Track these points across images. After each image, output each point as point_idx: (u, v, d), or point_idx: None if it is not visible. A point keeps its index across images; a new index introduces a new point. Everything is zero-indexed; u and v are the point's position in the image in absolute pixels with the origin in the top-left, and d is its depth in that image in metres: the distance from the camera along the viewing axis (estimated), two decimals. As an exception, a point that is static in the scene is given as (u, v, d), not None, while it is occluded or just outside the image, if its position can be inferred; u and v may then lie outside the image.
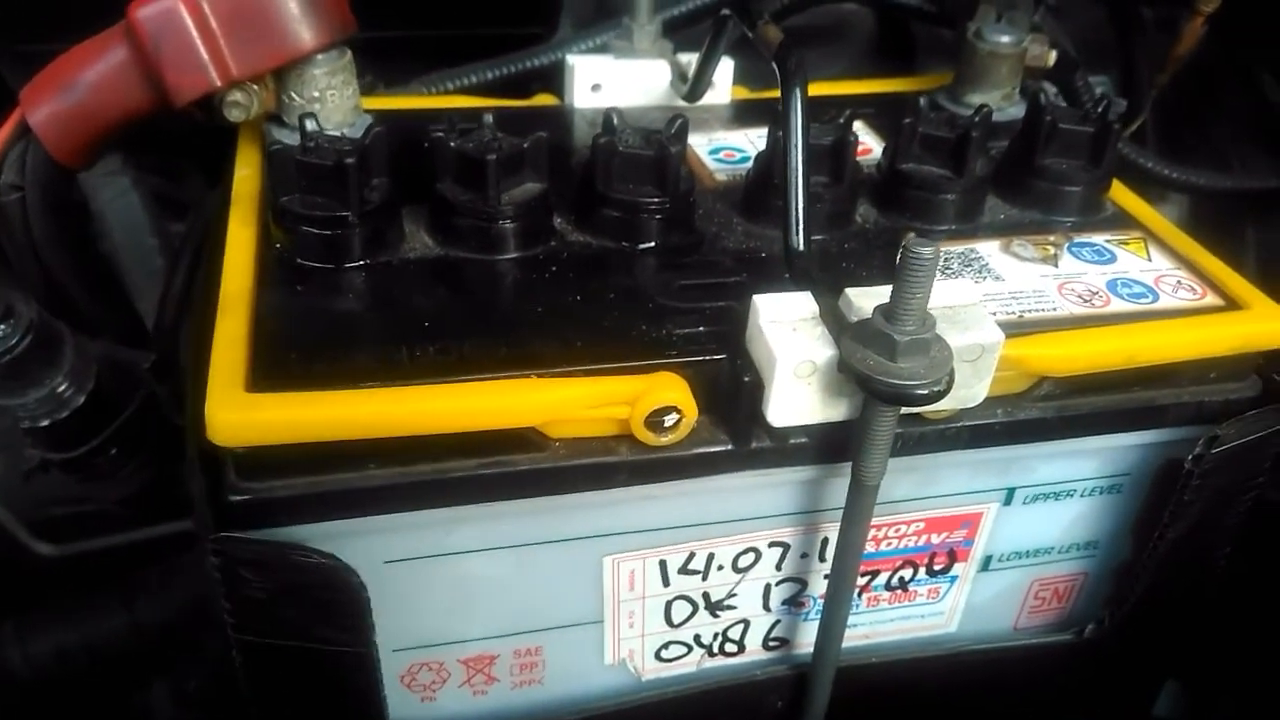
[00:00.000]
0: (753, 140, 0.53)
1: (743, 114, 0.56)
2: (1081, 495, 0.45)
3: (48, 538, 0.67)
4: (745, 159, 0.51)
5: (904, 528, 0.44)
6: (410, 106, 0.55)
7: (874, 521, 0.42)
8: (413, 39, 0.66)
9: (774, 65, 0.42)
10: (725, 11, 0.48)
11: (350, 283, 0.41)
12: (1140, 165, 0.67)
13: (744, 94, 0.58)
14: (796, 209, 0.40)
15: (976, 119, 0.46)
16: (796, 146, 0.40)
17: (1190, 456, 0.41)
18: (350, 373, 0.36)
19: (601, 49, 0.61)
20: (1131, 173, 0.68)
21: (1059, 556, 0.47)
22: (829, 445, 0.38)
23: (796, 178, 0.40)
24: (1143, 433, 0.43)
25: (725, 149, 0.52)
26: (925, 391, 0.34)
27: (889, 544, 0.44)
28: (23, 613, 0.67)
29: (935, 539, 0.44)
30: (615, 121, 0.44)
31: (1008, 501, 0.44)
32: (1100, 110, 0.48)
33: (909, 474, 0.41)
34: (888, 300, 0.35)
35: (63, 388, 0.47)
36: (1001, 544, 0.46)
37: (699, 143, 0.53)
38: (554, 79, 0.60)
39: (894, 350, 0.34)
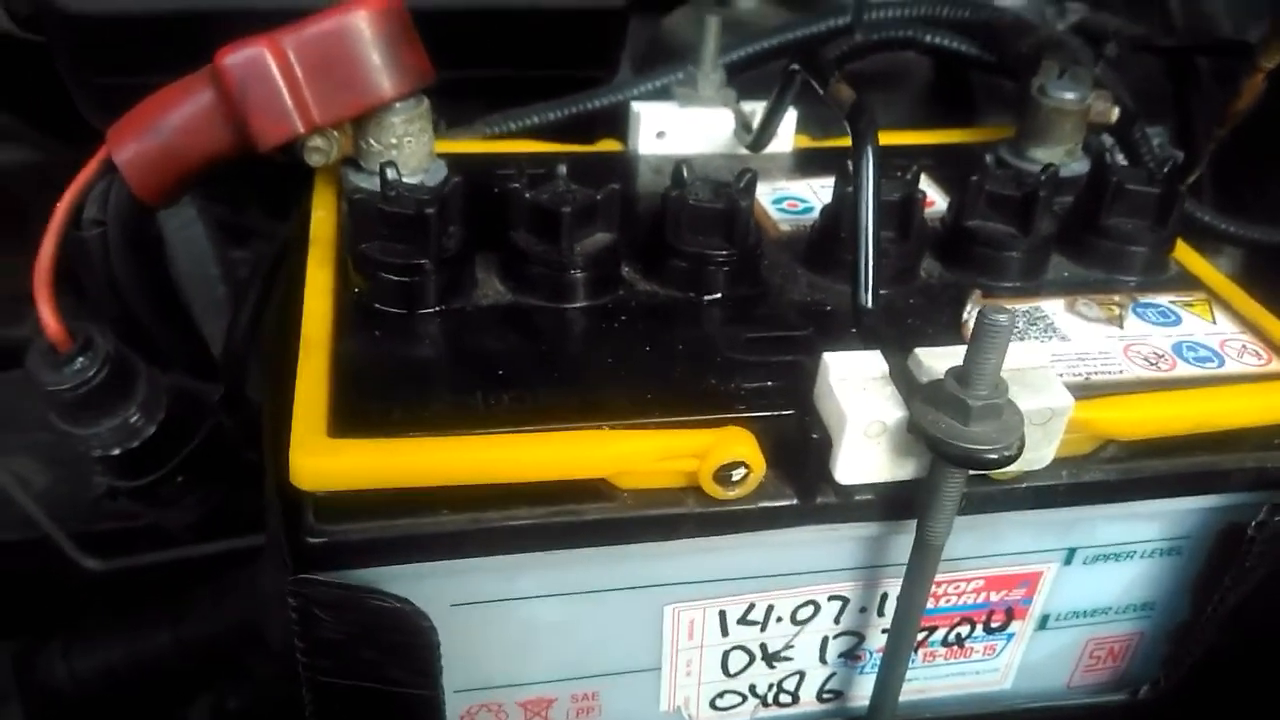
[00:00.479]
0: (815, 190, 0.54)
1: (805, 163, 0.57)
2: (1141, 556, 0.45)
3: (96, 552, 0.69)
4: (809, 209, 0.52)
5: (963, 585, 0.44)
6: (480, 150, 0.56)
7: (935, 578, 0.42)
8: (475, 80, 0.68)
9: (847, 124, 0.42)
10: (794, 67, 0.49)
11: (426, 328, 0.42)
12: (1197, 218, 0.67)
13: (806, 142, 0.58)
14: (866, 267, 0.40)
15: (1043, 178, 0.46)
16: (868, 206, 0.40)
17: (1254, 523, 0.41)
18: (427, 419, 0.37)
19: (662, 93, 0.62)
20: (1188, 225, 0.68)
21: (1116, 616, 0.47)
22: (894, 503, 0.39)
23: (867, 236, 0.40)
24: (1205, 496, 0.43)
25: (789, 198, 0.53)
26: (996, 456, 0.34)
27: (948, 600, 0.44)
28: (70, 629, 0.69)
29: (994, 597, 0.44)
30: (685, 174, 0.45)
31: (1068, 561, 0.44)
32: (1166, 170, 0.48)
33: (971, 532, 0.41)
34: (958, 362, 0.35)
35: (135, 418, 0.48)
36: (1060, 603, 0.46)
37: (763, 192, 0.53)
38: (616, 121, 0.61)
39: (968, 415, 0.34)
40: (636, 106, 0.56)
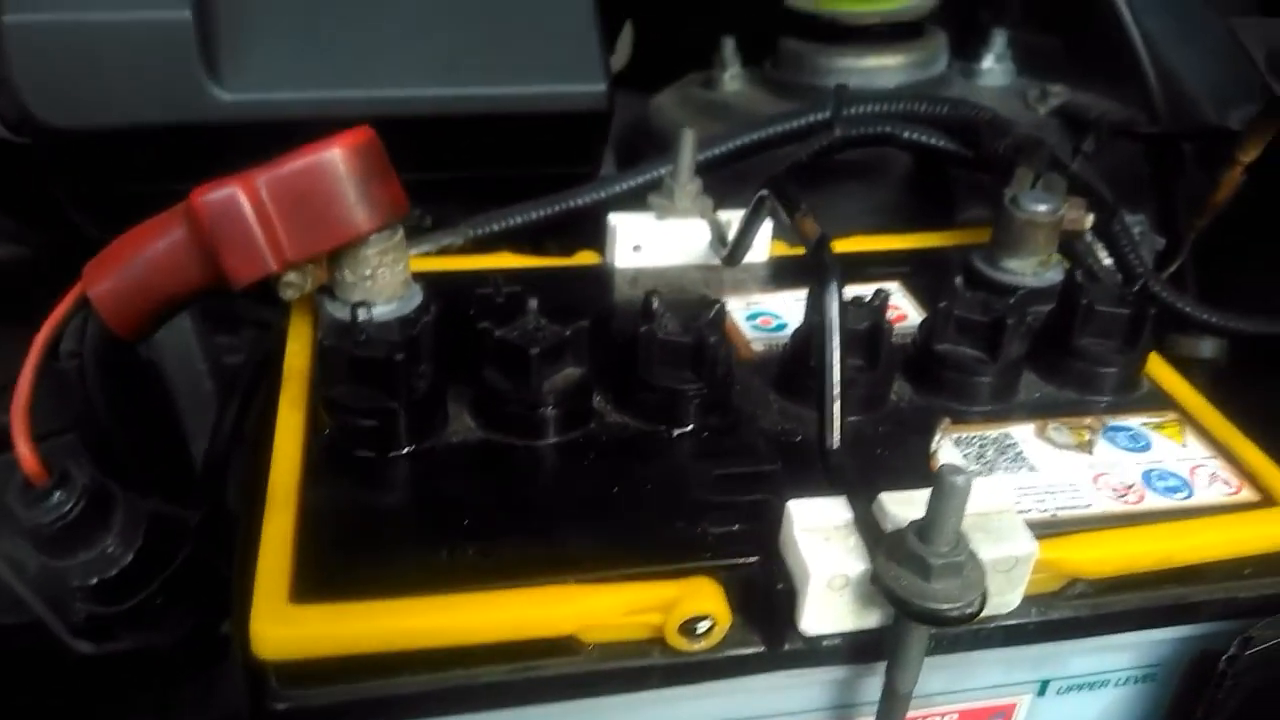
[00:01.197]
0: (790, 304, 0.54)
1: (781, 274, 0.57)
2: (1115, 685, 0.45)
3: (87, 636, 0.69)
4: (782, 326, 0.52)
5: (937, 719, 0.43)
6: (457, 269, 0.57)
7: (909, 714, 0.42)
8: (462, 180, 0.69)
9: (812, 262, 0.43)
10: (763, 192, 0.49)
11: (395, 472, 0.42)
12: (1178, 309, 0.67)
13: (783, 250, 0.59)
14: (830, 409, 0.41)
15: (1012, 302, 0.47)
16: (832, 346, 0.41)
17: (1224, 657, 0.41)
18: (391, 577, 0.37)
19: (645, 188, 0.63)
20: (1170, 316, 0.68)
21: (1095, 742, 0.47)
22: (862, 648, 0.39)
23: (830, 379, 0.41)
24: (1177, 627, 0.43)
25: (763, 314, 0.53)
26: (958, 614, 0.34)
27: (923, 733, 0.44)
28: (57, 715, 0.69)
29: (970, 728, 0.44)
30: (655, 305, 0.45)
31: (1041, 692, 0.44)
32: (1136, 290, 0.48)
33: (943, 670, 0.41)
34: (922, 509, 0.35)
35: (112, 548, 0.48)
36: (1037, 731, 0.45)
37: (736, 308, 0.54)
38: (597, 219, 0.62)
39: (929, 572, 0.34)
40: (613, 220, 0.57)
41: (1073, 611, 0.41)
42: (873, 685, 0.40)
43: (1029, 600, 0.40)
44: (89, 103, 0.59)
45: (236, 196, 0.44)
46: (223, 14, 0.60)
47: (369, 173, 0.45)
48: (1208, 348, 0.75)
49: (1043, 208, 0.53)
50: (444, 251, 0.62)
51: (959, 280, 0.48)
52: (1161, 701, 0.45)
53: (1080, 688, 0.44)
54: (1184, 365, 0.75)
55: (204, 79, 0.59)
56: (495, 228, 0.64)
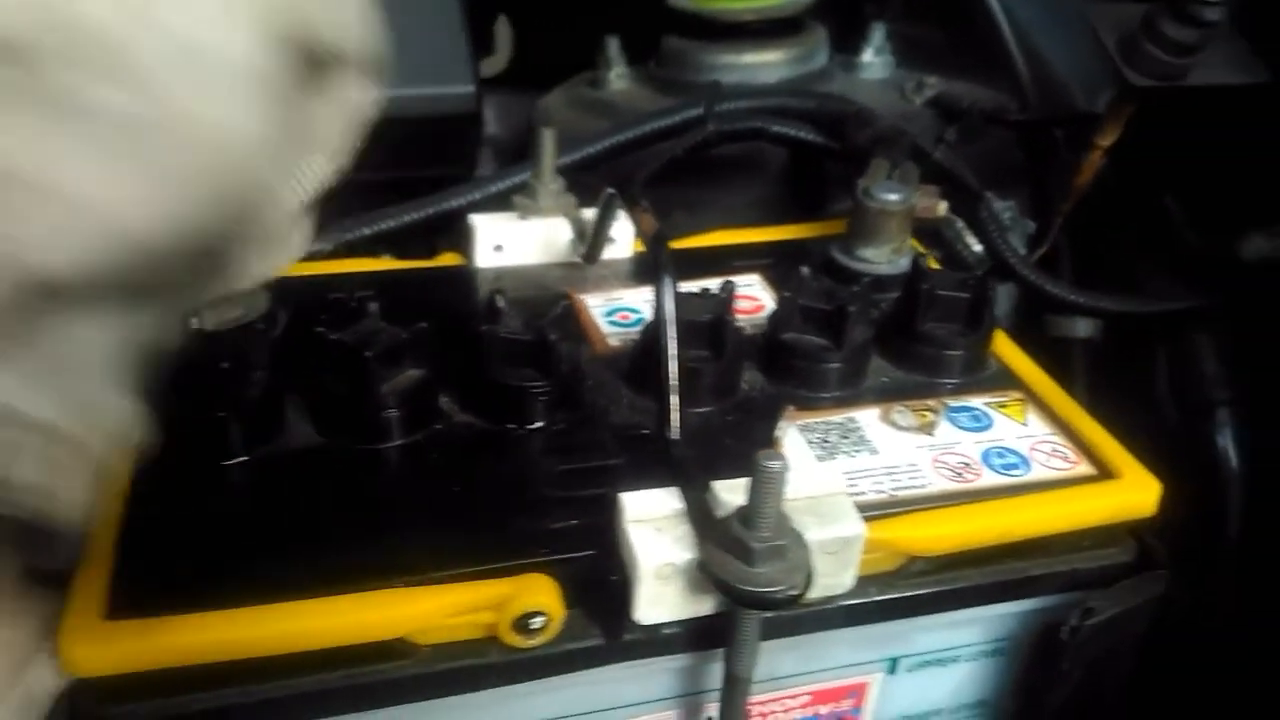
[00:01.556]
0: (648, 299, 0.54)
1: (643, 269, 0.57)
2: (965, 660, 0.45)
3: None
4: (639, 321, 0.52)
5: (790, 701, 0.44)
6: (316, 272, 0.56)
7: (760, 697, 0.43)
8: (337, 185, 0.68)
9: (649, 258, 0.43)
10: (610, 190, 0.49)
11: (228, 481, 0.41)
12: (1047, 292, 0.68)
13: (640, 247, 0.59)
14: (668, 400, 0.41)
15: (855, 290, 0.47)
16: (668, 340, 0.41)
17: (1065, 628, 0.42)
18: (216, 588, 0.36)
19: (517, 189, 0.63)
20: (1040, 299, 0.70)
21: (949, 717, 0.47)
22: (701, 635, 0.39)
23: (668, 370, 0.41)
24: (1020, 601, 0.44)
25: (622, 310, 0.53)
26: (782, 597, 0.35)
27: (775, 718, 0.44)
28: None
29: (824, 710, 0.45)
30: (499, 304, 0.45)
31: (892, 670, 0.44)
32: (980, 274, 0.49)
33: (791, 650, 0.42)
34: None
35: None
36: (890, 710, 0.46)
37: (596, 304, 0.54)
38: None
39: (750, 557, 0.35)
40: (473, 220, 0.57)
41: (913, 589, 0.41)
42: (715, 671, 0.40)
43: (869, 580, 0.40)
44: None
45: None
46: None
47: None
48: (1083, 327, 0.76)
49: (893, 197, 0.54)
50: (312, 257, 0.61)
51: (805, 270, 0.49)
52: (1009, 675, 0.46)
53: (930, 664, 0.45)
54: (1061, 344, 0.77)
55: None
56: (365, 232, 0.63)
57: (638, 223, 0.45)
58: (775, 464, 0.34)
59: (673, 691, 0.41)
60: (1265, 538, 0.65)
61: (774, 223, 0.69)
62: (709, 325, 0.46)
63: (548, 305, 0.46)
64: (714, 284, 0.48)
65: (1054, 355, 0.76)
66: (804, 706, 0.44)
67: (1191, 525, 0.65)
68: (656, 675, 0.41)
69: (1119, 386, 0.74)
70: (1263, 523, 0.66)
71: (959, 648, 0.45)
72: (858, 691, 0.44)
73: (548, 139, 0.58)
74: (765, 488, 0.34)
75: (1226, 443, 0.68)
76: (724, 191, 0.76)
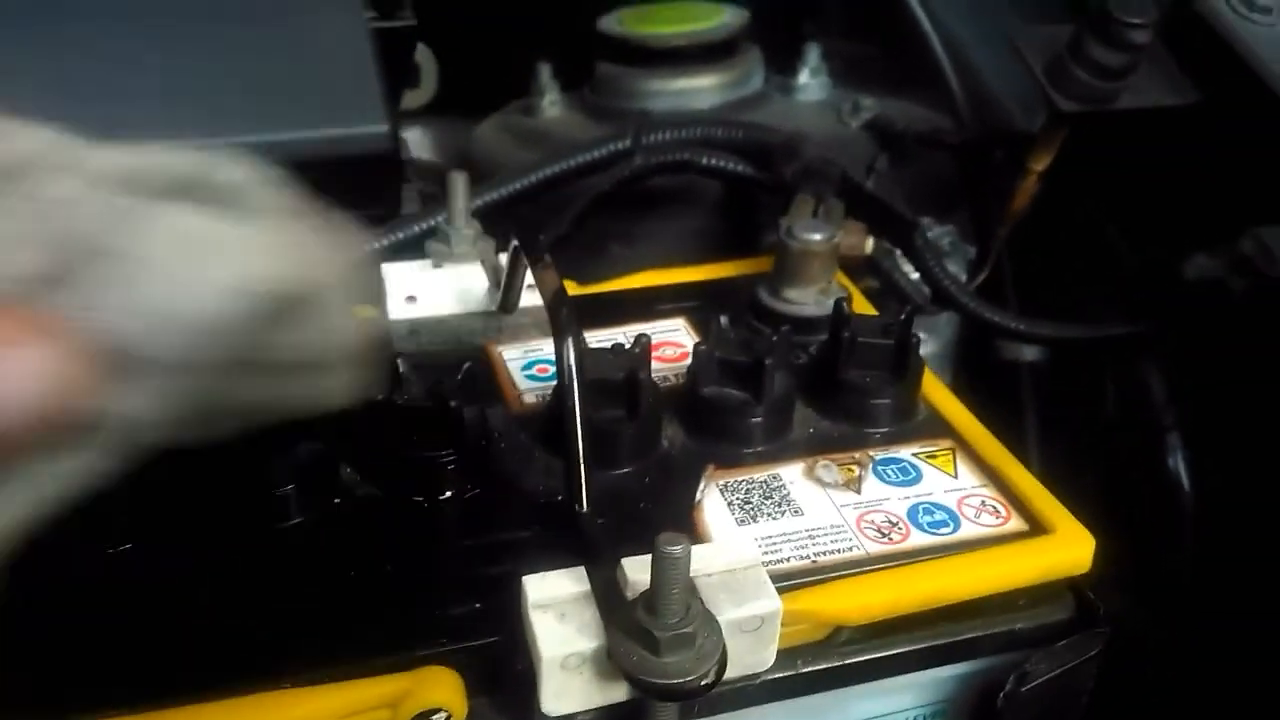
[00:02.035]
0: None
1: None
2: (904, 725, 0.44)
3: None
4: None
5: (721, 777, 0.42)
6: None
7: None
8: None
9: (550, 317, 0.41)
10: (514, 242, 0.47)
11: (105, 569, 0.39)
12: (987, 319, 0.67)
13: (573, 289, 0.57)
14: (577, 470, 0.39)
15: (775, 339, 0.45)
16: (573, 406, 0.39)
17: (1001, 695, 0.40)
18: (71, 698, 0.33)
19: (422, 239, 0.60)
20: (982, 327, 0.68)
21: (892, 782, 0.45)
22: (617, 721, 0.37)
23: (575, 439, 0.39)
24: (955, 664, 0.42)
25: (540, 363, 0.51)
26: (692, 687, 0.33)
27: (707, 795, 0.42)
28: None
29: (757, 783, 0.43)
30: (400, 369, 0.43)
31: (827, 739, 0.42)
32: (904, 317, 0.47)
33: (717, 726, 0.40)
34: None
35: None
36: (828, 779, 0.44)
37: (513, 356, 0.51)
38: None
39: (656, 646, 0.33)
40: (385, 269, 0.54)
41: (841, 659, 0.40)
42: (639, 756, 0.38)
43: (792, 652, 0.39)
44: None
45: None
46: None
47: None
48: (1029, 351, 0.75)
49: (816, 236, 0.52)
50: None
51: (723, 320, 0.47)
52: (953, 738, 0.45)
53: (867, 731, 0.43)
54: (1010, 368, 0.76)
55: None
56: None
57: (538, 280, 0.43)
58: (676, 549, 0.32)
59: (589, 781, 0.39)
60: (1219, 561, 0.64)
61: (713, 254, 0.68)
62: (622, 383, 0.43)
63: (454, 367, 0.43)
64: (632, 332, 0.46)
65: (1002, 379, 0.75)
66: (735, 782, 0.42)
67: (1144, 550, 0.64)
68: (571, 766, 0.38)
69: (1068, 410, 0.73)
70: (1216, 546, 0.65)
71: (895, 713, 0.43)
72: (792, 764, 0.42)
73: (458, 182, 0.56)
74: (667, 573, 0.32)
75: (1178, 465, 0.67)
76: (661, 222, 0.74)
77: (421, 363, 0.44)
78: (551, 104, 0.84)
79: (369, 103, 0.64)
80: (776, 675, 0.38)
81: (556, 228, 0.65)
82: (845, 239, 0.54)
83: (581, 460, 0.39)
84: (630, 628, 0.33)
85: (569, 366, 0.39)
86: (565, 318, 0.40)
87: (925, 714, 0.44)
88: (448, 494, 0.42)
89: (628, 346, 0.45)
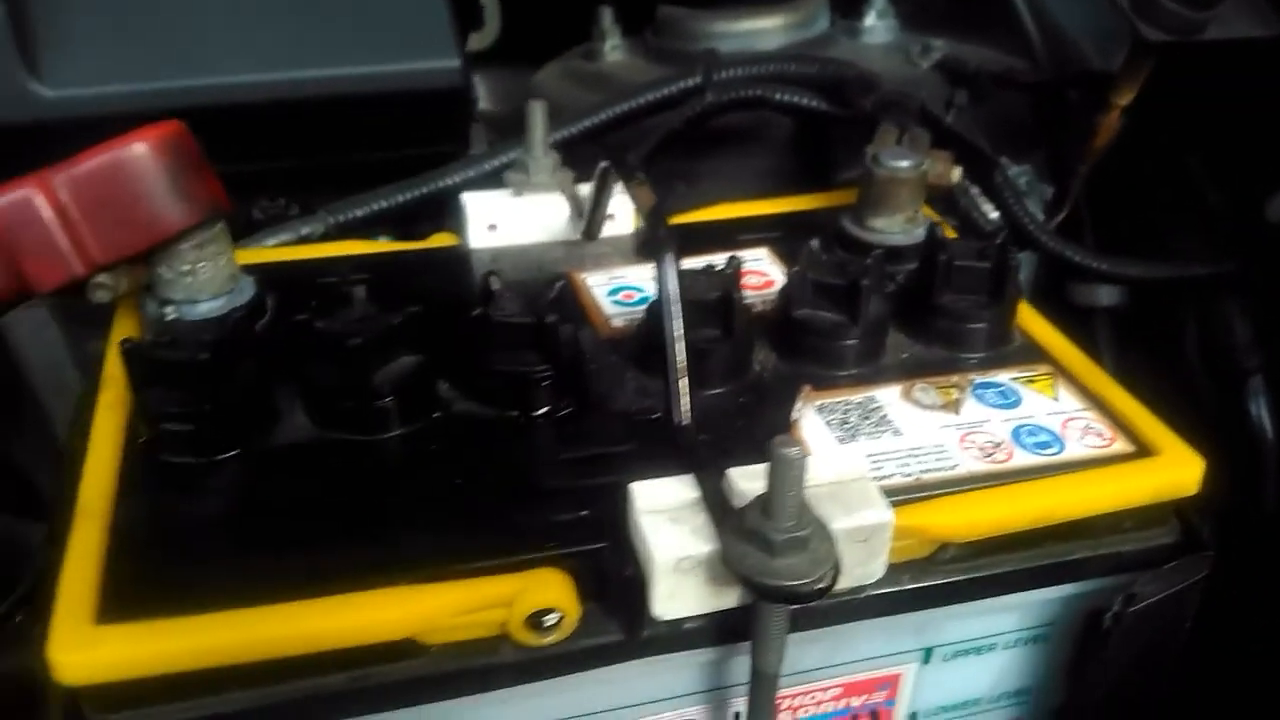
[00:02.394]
0: (653, 277, 0.51)
1: (645, 245, 0.54)
2: (1004, 647, 0.43)
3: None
4: (644, 300, 0.50)
5: (820, 694, 0.42)
6: (304, 257, 0.53)
7: (788, 690, 0.41)
8: (324, 166, 0.65)
9: (648, 234, 0.40)
10: (604, 164, 0.47)
11: (218, 478, 0.39)
12: (1069, 259, 0.66)
13: (649, 221, 0.56)
14: (676, 383, 0.38)
15: (869, 262, 0.45)
16: (672, 319, 0.39)
17: (1109, 614, 0.40)
18: (210, 591, 0.34)
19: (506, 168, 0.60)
20: (1063, 265, 0.67)
21: (990, 706, 0.45)
22: (725, 629, 0.37)
23: (674, 351, 0.38)
24: (1060, 586, 0.41)
25: (625, 289, 0.51)
26: (807, 590, 0.32)
27: (806, 711, 0.42)
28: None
29: (855, 702, 0.42)
30: (494, 286, 0.43)
31: (926, 660, 0.42)
32: (1000, 241, 0.46)
33: (818, 643, 0.39)
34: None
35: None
36: (925, 701, 0.44)
37: (598, 283, 0.51)
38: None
39: (772, 549, 0.32)
40: (466, 199, 0.54)
41: (946, 577, 0.39)
42: (741, 666, 0.38)
43: (900, 568, 0.38)
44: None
45: (31, 199, 0.41)
46: (40, 6, 0.56)
47: (178, 167, 0.42)
48: (1106, 295, 0.74)
49: (904, 164, 0.51)
50: (303, 240, 0.59)
51: (814, 243, 0.46)
52: (1053, 661, 0.44)
53: (966, 653, 0.43)
54: (1084, 314, 0.75)
55: (22, 75, 0.55)
56: (357, 213, 0.61)
57: (635, 197, 0.42)
58: (792, 451, 0.32)
59: (695, 687, 0.39)
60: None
61: (778, 193, 0.67)
62: (716, 303, 0.43)
63: (546, 286, 0.43)
64: (719, 259, 0.45)
65: (1076, 325, 0.73)
66: (835, 699, 0.42)
67: (1227, 496, 0.63)
68: (677, 671, 0.38)
69: (1146, 356, 0.71)
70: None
71: (997, 635, 0.42)
72: (890, 683, 0.42)
73: (538, 111, 0.55)
74: (783, 476, 0.32)
75: (1260, 411, 0.66)
76: (726, 162, 0.73)
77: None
78: (613, 48, 0.84)
79: (440, 38, 0.64)
80: (881, 591, 0.38)
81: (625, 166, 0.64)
82: (933, 167, 0.53)
83: (681, 372, 0.39)
84: (744, 532, 0.33)
85: (668, 279, 0.39)
86: (664, 232, 0.40)
87: (1025, 637, 0.43)
88: (543, 410, 0.42)
89: (719, 268, 0.44)
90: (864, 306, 0.44)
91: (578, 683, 0.37)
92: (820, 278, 0.44)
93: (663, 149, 0.67)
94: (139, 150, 0.41)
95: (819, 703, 0.42)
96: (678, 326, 0.38)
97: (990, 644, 0.43)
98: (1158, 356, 0.72)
